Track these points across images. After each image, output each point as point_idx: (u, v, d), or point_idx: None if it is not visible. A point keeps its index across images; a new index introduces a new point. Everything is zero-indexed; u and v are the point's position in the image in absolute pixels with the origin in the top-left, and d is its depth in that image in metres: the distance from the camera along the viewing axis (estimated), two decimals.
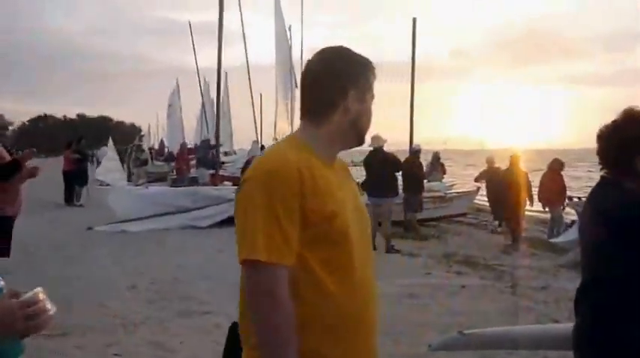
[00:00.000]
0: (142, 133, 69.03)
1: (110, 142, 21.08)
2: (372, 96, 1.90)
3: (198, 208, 12.72)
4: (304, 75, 1.86)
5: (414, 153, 13.57)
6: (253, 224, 1.67)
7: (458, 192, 16.20)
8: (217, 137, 15.46)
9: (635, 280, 2.10)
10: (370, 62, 1.89)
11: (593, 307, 2.23)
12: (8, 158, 6.04)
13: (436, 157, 16.90)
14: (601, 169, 2.32)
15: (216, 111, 16.67)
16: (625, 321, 2.11)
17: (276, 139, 20.04)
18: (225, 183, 17.17)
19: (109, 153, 21.43)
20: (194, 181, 18.14)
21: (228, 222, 12.93)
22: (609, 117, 2.25)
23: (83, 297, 6.56)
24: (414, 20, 14.70)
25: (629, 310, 2.12)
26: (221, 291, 7.15)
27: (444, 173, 17.47)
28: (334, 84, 1.81)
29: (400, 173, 11.86)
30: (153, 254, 9.73)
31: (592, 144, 2.29)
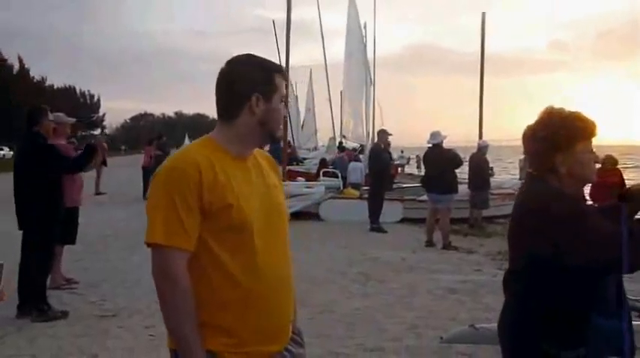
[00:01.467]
0: None
1: (186, 139, 21.96)
2: (282, 98, 2.10)
3: None
4: (216, 81, 2.09)
5: (481, 149, 13.42)
6: (154, 213, 1.93)
7: None
8: (284, 135, 15.85)
9: (542, 274, 2.19)
10: (276, 67, 2.11)
11: (512, 297, 2.35)
12: (73, 154, 6.67)
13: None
14: (529, 167, 2.41)
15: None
16: (537, 315, 2.21)
17: (344, 137, 20.27)
18: (299, 178, 17.56)
19: None
20: None
21: (294, 216, 13.33)
22: None
23: (141, 283, 7.07)
24: (483, 15, 14.47)
25: (539, 303, 2.21)
26: None
27: None
28: (239, 88, 2.04)
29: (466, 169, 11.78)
30: None
31: None
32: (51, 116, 6.01)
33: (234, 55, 2.11)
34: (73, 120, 6.80)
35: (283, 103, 2.12)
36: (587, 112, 2.29)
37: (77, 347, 5.11)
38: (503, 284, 2.42)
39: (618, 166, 11.27)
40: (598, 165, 2.25)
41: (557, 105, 2.33)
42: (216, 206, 1.93)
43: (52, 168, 5.79)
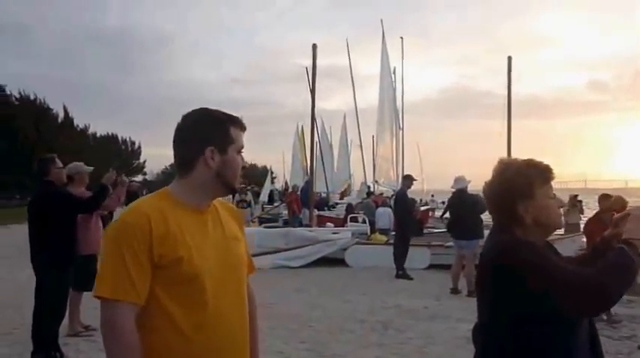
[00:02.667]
0: (274, 175, 71.93)
1: None
2: (238, 149, 2.11)
3: (291, 249, 13.15)
4: (173, 135, 2.11)
5: None
6: (103, 267, 1.94)
7: (561, 235, 15.38)
8: (310, 179, 15.92)
9: (512, 328, 2.11)
10: (231, 119, 2.12)
11: (480, 351, 2.27)
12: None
13: (573, 197, 17.83)
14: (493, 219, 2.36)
15: (309, 154, 17.22)
16: None
17: (377, 182, 20.24)
18: (328, 223, 17.55)
19: None
20: (301, 222, 18.68)
21: (321, 262, 13.29)
22: None
23: None
24: (509, 59, 14.44)
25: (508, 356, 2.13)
26: (281, 330, 7.42)
27: (582, 213, 17.89)
28: (193, 143, 2.06)
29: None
30: None
31: None
32: (59, 163, 6.13)
33: (192, 109, 2.14)
34: (90, 169, 6.93)
35: (240, 154, 2.13)
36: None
37: None
38: (472, 337, 2.35)
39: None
40: (562, 209, 2.19)
41: (506, 158, 2.34)
42: (166, 259, 1.93)
43: (65, 210, 5.88)
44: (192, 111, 2.12)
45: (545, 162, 2.30)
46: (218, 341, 1.99)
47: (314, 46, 15.01)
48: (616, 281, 2.01)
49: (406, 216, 12.36)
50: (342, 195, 33.77)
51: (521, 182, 2.18)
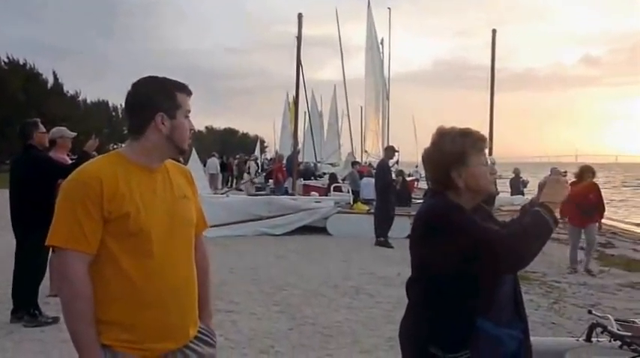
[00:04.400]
0: (266, 144, 71.93)
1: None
2: (185, 113, 2.30)
3: (273, 216, 13.38)
4: (124, 102, 2.29)
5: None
6: (57, 219, 2.14)
7: None
8: (295, 148, 16.08)
9: (434, 281, 2.33)
10: (178, 85, 2.30)
11: (410, 302, 2.49)
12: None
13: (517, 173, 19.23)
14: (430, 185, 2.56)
15: (294, 123, 17.37)
16: (426, 319, 2.35)
17: (366, 152, 20.43)
18: (313, 193, 17.76)
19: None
20: (286, 191, 18.89)
21: (304, 230, 13.53)
22: None
23: None
24: (494, 32, 14.53)
25: (429, 308, 2.34)
26: (257, 294, 7.69)
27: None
28: (141, 108, 2.25)
29: None
30: (213, 257, 10.43)
31: None
32: (42, 127, 6.27)
33: (141, 77, 2.31)
34: (73, 134, 7.06)
35: (188, 118, 2.32)
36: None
37: (61, 351, 5.32)
38: (406, 290, 2.55)
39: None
40: (495, 176, 2.30)
41: (447, 125, 2.46)
42: (114, 214, 2.13)
43: (45, 175, 6.01)
44: (141, 79, 2.30)
45: (481, 132, 2.47)
46: (164, 288, 2.20)
47: (299, 16, 15.05)
48: (526, 241, 2.20)
49: (386, 187, 12.58)
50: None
51: (455, 150, 2.36)
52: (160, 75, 2.30)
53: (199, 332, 2.41)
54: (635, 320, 4.37)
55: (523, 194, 19.48)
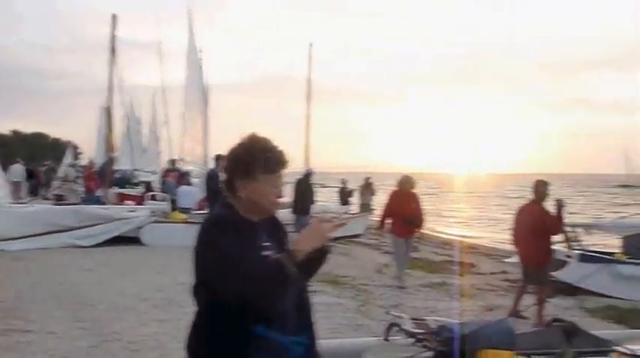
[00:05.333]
0: (80, 151, 67.50)
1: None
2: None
3: (83, 227, 12.60)
4: None
5: (306, 175, 13.87)
6: None
7: (353, 214, 16.54)
8: (109, 155, 15.36)
9: (202, 293, 2.25)
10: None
11: (195, 313, 2.40)
12: None
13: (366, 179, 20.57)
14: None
15: (108, 130, 16.62)
16: (206, 325, 2.26)
17: (182, 160, 20.04)
18: (127, 201, 17.05)
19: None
20: (99, 200, 17.89)
21: (116, 241, 12.89)
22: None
23: None
24: (310, 45, 15.05)
25: (207, 315, 2.27)
26: (58, 311, 7.16)
27: (373, 194, 20.40)
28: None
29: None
30: (11, 272, 9.61)
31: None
32: None
33: None
34: None
35: None
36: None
37: None
38: (193, 297, 2.47)
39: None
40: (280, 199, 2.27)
41: (250, 135, 2.37)
42: None
43: None
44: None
45: (285, 152, 2.35)
46: None
47: (114, 17, 14.39)
48: (260, 285, 2.10)
49: (215, 195, 12.44)
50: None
51: (246, 162, 2.29)
52: None
53: None
54: (428, 317, 4.78)
55: (349, 203, 20.88)
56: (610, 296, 9.59)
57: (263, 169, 2.30)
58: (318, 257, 2.31)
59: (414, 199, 10.12)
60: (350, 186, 21.73)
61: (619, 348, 4.11)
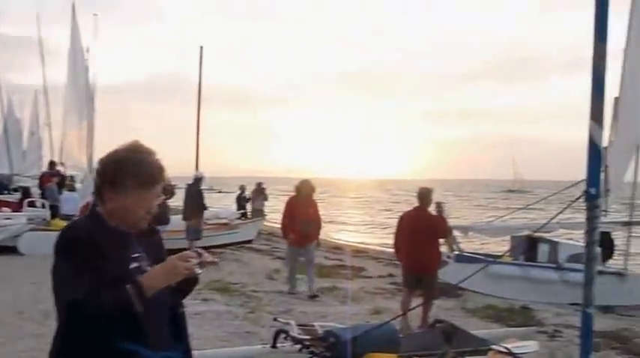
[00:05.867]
0: None
1: None
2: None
3: None
4: None
5: (196, 180, 13.63)
6: None
7: (244, 220, 16.46)
8: None
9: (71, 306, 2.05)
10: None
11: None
12: None
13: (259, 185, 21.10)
14: None
15: None
16: (66, 340, 2.11)
17: (62, 164, 19.09)
18: (3, 208, 15.96)
19: None
20: None
21: None
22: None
23: None
24: (201, 48, 14.83)
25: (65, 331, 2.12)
26: None
27: (266, 199, 21.11)
28: None
29: None
30: None
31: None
32: None
33: None
34: None
35: None
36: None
37: None
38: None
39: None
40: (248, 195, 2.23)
41: (134, 143, 2.23)
42: None
43: None
44: None
45: (163, 167, 2.24)
46: None
47: None
48: (99, 309, 1.97)
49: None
50: None
51: (114, 172, 2.17)
52: None
53: None
54: (315, 323, 4.80)
55: (246, 209, 21.10)
56: (488, 295, 10.17)
57: (133, 183, 2.16)
58: (184, 288, 2.25)
59: (311, 205, 9.96)
60: (247, 192, 21.80)
61: (496, 347, 4.36)
